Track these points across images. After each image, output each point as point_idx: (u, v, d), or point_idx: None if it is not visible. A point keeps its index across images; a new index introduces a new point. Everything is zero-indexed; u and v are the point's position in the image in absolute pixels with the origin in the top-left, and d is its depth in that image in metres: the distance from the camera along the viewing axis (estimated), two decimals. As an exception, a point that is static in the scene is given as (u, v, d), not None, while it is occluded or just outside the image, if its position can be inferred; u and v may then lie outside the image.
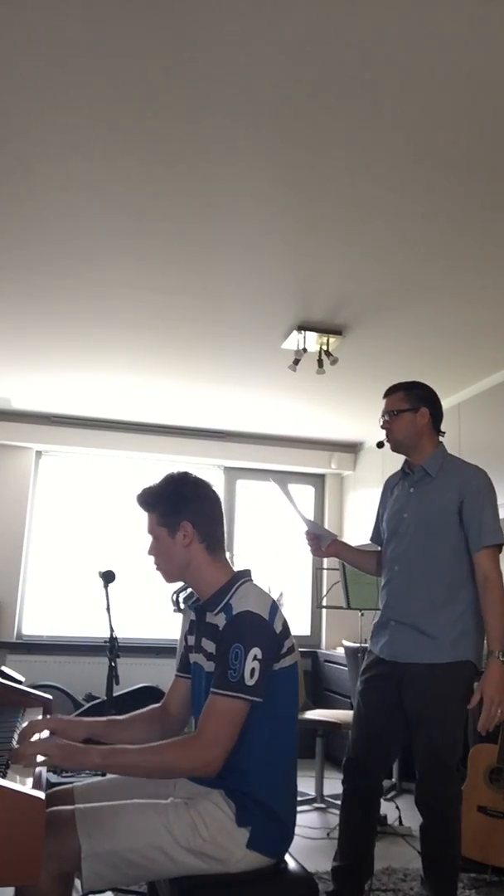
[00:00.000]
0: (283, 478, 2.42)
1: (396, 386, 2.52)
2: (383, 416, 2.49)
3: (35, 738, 1.54)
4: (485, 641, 2.33)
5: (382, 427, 2.50)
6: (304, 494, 6.01)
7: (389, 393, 2.52)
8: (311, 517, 2.58)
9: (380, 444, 2.54)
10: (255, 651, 1.55)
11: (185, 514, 1.72)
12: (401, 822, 3.59)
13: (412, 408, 2.44)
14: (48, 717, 1.91)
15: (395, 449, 2.50)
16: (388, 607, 2.42)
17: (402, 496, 2.49)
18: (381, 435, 2.55)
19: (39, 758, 1.42)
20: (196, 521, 1.72)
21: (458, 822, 2.26)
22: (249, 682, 1.53)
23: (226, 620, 1.63)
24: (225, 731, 1.51)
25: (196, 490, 1.76)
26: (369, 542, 2.68)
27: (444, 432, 2.51)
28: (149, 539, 1.78)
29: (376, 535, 2.63)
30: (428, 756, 2.25)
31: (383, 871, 2.94)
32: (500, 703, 2.17)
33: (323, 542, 2.60)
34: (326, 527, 5.86)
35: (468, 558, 2.31)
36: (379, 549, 2.61)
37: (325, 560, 5.71)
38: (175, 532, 1.72)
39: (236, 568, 1.80)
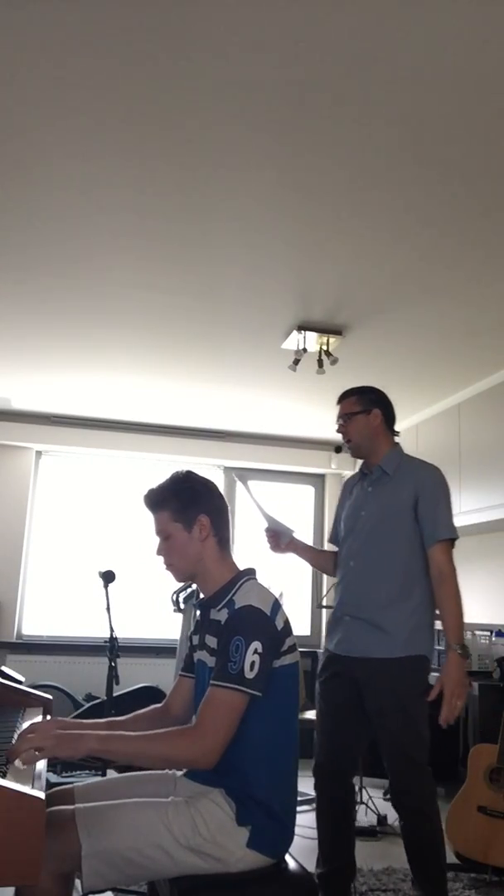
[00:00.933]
0: (244, 474, 2.48)
1: (348, 391, 2.61)
2: (338, 420, 2.58)
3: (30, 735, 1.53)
4: (435, 636, 2.40)
5: (338, 431, 2.59)
6: (304, 494, 6.02)
7: (342, 398, 2.61)
8: (272, 514, 2.62)
9: (338, 449, 2.68)
10: (256, 644, 1.56)
11: (201, 508, 1.74)
12: (401, 822, 3.59)
13: (364, 410, 2.53)
14: (48, 718, 1.91)
15: (353, 453, 2.58)
16: (342, 603, 2.46)
17: (360, 496, 2.56)
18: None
19: (37, 755, 1.41)
20: (211, 515, 1.74)
21: (436, 818, 2.27)
22: (249, 674, 1.53)
23: (228, 615, 1.64)
24: (223, 722, 1.51)
25: (207, 485, 1.79)
26: (328, 543, 2.73)
27: (398, 433, 2.61)
28: (156, 541, 1.77)
29: (334, 536, 2.69)
30: (395, 754, 2.28)
31: (383, 871, 2.94)
32: (459, 695, 2.22)
33: (282, 539, 2.64)
34: (326, 527, 5.87)
35: (423, 554, 2.38)
36: (336, 550, 2.66)
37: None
38: (191, 526, 1.73)
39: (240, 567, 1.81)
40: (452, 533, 2.37)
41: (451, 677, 2.24)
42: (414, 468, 2.49)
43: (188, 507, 1.73)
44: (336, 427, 2.59)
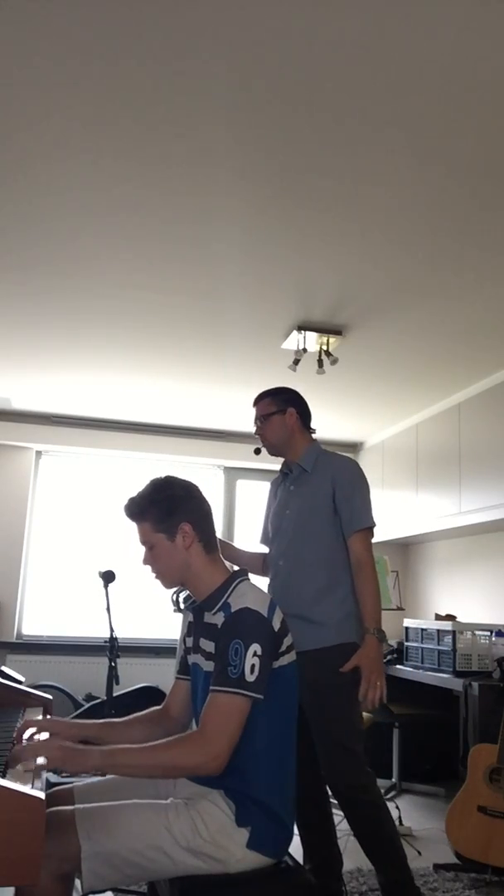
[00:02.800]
0: None
1: (262, 394, 2.70)
2: (255, 422, 2.67)
3: (34, 737, 1.53)
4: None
5: (256, 433, 2.68)
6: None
7: (257, 401, 2.69)
8: None
9: (257, 451, 2.75)
10: (255, 647, 1.55)
11: (181, 516, 1.71)
12: (401, 822, 3.59)
13: (279, 410, 2.62)
14: (47, 717, 1.91)
15: (271, 452, 2.67)
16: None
17: (283, 495, 2.64)
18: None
19: (39, 760, 1.41)
20: (194, 521, 1.72)
21: (379, 805, 2.29)
22: (250, 678, 1.53)
23: (224, 618, 1.63)
24: (227, 728, 1.51)
25: (188, 490, 1.76)
26: (259, 543, 2.78)
27: (314, 430, 2.69)
28: (142, 550, 1.75)
29: (264, 537, 2.74)
30: (328, 743, 2.32)
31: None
32: (375, 672, 2.29)
33: None
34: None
35: (346, 546, 2.46)
36: (266, 550, 2.71)
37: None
38: (174, 535, 1.71)
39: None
40: (368, 522, 2.46)
41: (368, 656, 2.31)
42: (331, 462, 2.57)
43: (169, 517, 1.70)
44: (254, 430, 2.68)
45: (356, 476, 2.53)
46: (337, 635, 2.38)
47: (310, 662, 2.31)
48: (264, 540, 2.73)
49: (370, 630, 2.35)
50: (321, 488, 2.50)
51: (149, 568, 1.76)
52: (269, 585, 2.58)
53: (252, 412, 2.73)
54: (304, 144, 2.10)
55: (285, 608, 2.40)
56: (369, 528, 2.47)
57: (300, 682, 2.31)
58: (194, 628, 1.79)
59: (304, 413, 2.66)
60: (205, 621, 1.72)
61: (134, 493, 1.75)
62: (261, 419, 2.64)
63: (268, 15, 1.64)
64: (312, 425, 2.70)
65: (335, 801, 2.39)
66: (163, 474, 1.80)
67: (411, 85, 1.84)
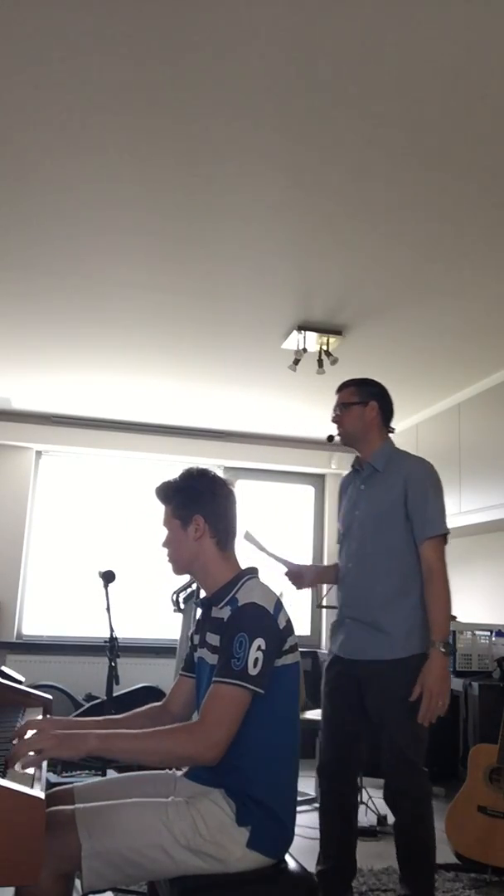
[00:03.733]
0: (248, 533, 2.48)
1: (348, 381, 2.59)
2: (335, 409, 2.56)
3: (28, 734, 1.53)
4: None
5: (333, 420, 2.57)
6: (305, 494, 6.02)
7: (342, 388, 2.59)
8: (282, 556, 2.61)
9: (329, 438, 2.66)
10: (259, 641, 1.56)
11: (197, 508, 1.75)
12: (401, 822, 3.59)
13: (361, 401, 2.51)
14: (48, 717, 1.91)
15: (344, 441, 2.57)
16: (343, 605, 2.47)
17: (353, 494, 2.56)
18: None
19: (35, 755, 1.41)
20: (208, 516, 1.75)
21: (429, 819, 2.27)
22: (252, 671, 1.53)
23: (230, 612, 1.64)
24: (227, 717, 1.51)
25: (211, 486, 1.79)
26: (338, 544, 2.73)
27: (393, 429, 2.58)
28: (164, 531, 1.80)
29: (340, 537, 2.67)
30: (392, 754, 2.28)
31: (383, 870, 2.94)
32: (439, 694, 2.19)
33: (306, 576, 2.63)
34: (326, 527, 5.88)
35: (416, 551, 2.36)
36: None
37: (325, 559, 5.74)
38: (187, 525, 1.75)
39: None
40: (442, 528, 2.35)
41: (432, 675, 2.21)
42: (403, 463, 2.46)
43: (186, 506, 1.76)
44: (332, 417, 2.57)
45: (429, 478, 2.42)
46: (405, 647, 2.29)
47: (377, 672, 2.30)
48: (341, 539, 2.65)
49: (436, 644, 2.24)
50: (393, 490, 2.39)
51: (165, 550, 1.81)
52: (338, 588, 2.52)
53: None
54: (304, 144, 2.10)
55: (354, 613, 2.40)
56: (443, 536, 2.35)
57: (367, 689, 2.31)
58: (201, 623, 1.82)
59: (385, 409, 2.54)
60: (212, 615, 1.74)
61: (169, 478, 1.83)
62: (341, 406, 2.53)
63: (269, 14, 1.64)
64: (392, 424, 2.60)
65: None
66: (200, 467, 1.84)
67: (412, 84, 1.84)
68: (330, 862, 2.36)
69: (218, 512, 1.77)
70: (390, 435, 2.56)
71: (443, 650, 2.24)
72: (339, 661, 2.42)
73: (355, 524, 2.48)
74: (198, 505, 1.76)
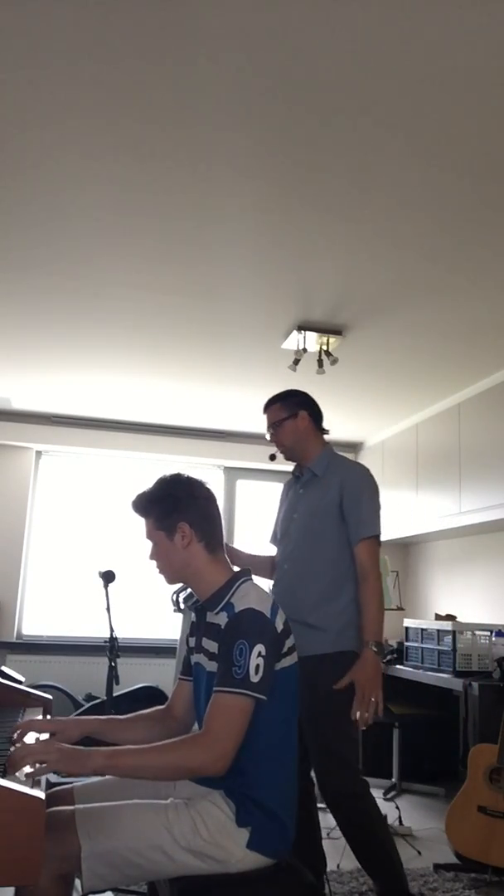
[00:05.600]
0: None
1: (271, 399, 2.63)
2: (268, 430, 2.61)
3: (32, 739, 1.53)
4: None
5: (270, 440, 2.62)
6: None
7: (267, 407, 2.63)
8: None
9: (272, 457, 2.68)
10: (260, 648, 1.55)
11: (180, 515, 1.72)
12: (401, 822, 3.60)
13: (291, 415, 2.56)
14: (48, 717, 1.91)
15: (287, 457, 2.62)
16: (280, 605, 2.47)
17: (293, 499, 2.61)
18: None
19: (38, 764, 1.40)
20: (193, 521, 1.73)
21: (372, 815, 2.26)
22: (254, 678, 1.53)
23: (228, 619, 1.63)
24: (232, 727, 1.50)
25: (189, 490, 1.76)
26: (269, 544, 2.77)
27: (327, 430, 2.63)
28: (148, 545, 1.77)
29: (274, 538, 2.72)
30: (322, 750, 2.30)
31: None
32: (372, 689, 2.25)
33: None
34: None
35: (352, 553, 2.42)
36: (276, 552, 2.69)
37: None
38: (173, 534, 1.72)
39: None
40: (375, 530, 2.41)
41: (363, 671, 2.27)
42: (341, 467, 2.53)
43: (169, 516, 1.72)
44: (267, 436, 2.63)
45: (365, 483, 2.48)
46: (335, 643, 2.35)
47: (307, 668, 2.29)
48: (273, 540, 2.71)
49: (369, 643, 2.31)
50: (329, 493, 2.46)
51: (154, 563, 1.78)
52: (272, 588, 2.56)
53: (262, 418, 2.65)
54: (305, 145, 2.10)
55: (287, 612, 2.39)
56: (376, 537, 2.42)
57: (301, 687, 2.33)
58: (197, 628, 1.79)
59: (315, 415, 2.60)
60: (207, 621, 1.73)
61: (143, 489, 1.78)
62: (273, 426, 2.59)
63: (270, 15, 1.64)
64: (324, 425, 2.65)
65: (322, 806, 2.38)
66: (172, 472, 1.80)
67: (412, 85, 1.84)
68: (301, 858, 2.38)
69: (201, 515, 1.74)
70: (325, 437, 2.62)
71: (374, 649, 2.30)
72: None
73: (293, 526, 2.54)
74: (180, 512, 1.72)
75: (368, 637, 2.31)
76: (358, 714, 2.24)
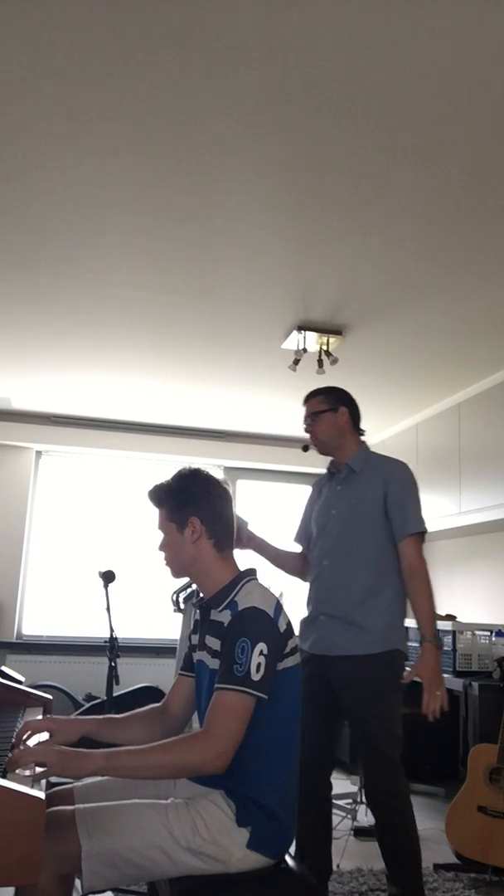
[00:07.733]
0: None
1: (314, 391, 2.62)
2: (305, 420, 2.59)
3: (32, 741, 1.52)
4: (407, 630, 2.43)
5: (306, 431, 2.60)
6: (304, 494, 6.00)
7: (309, 398, 2.62)
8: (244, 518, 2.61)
9: (305, 448, 2.66)
10: (262, 646, 1.55)
11: (192, 510, 1.73)
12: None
13: (331, 408, 2.55)
14: (48, 717, 1.90)
15: (321, 451, 2.61)
16: (317, 602, 2.48)
17: (329, 495, 2.59)
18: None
19: (38, 768, 1.40)
20: (204, 517, 1.73)
21: (409, 814, 2.28)
22: (255, 676, 1.53)
23: (231, 616, 1.63)
24: (232, 725, 1.50)
25: (205, 486, 1.77)
26: (293, 541, 2.75)
27: (363, 431, 2.62)
28: (159, 535, 1.79)
29: (300, 536, 2.71)
30: (369, 751, 2.30)
31: (383, 870, 2.94)
32: (437, 684, 2.25)
33: (241, 533, 2.53)
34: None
35: (393, 549, 2.41)
36: (300, 549, 2.69)
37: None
38: (183, 528, 1.73)
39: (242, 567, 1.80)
40: (421, 526, 2.41)
41: (427, 666, 2.27)
42: (381, 464, 2.52)
43: (181, 509, 1.73)
44: (304, 426, 2.61)
45: (410, 479, 2.48)
46: (382, 642, 2.32)
47: (354, 667, 2.31)
48: (299, 538, 2.70)
49: (427, 637, 2.30)
50: (370, 490, 2.45)
51: (162, 554, 1.79)
52: (311, 585, 2.54)
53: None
54: (305, 145, 2.10)
55: (328, 609, 2.41)
56: (422, 533, 2.41)
57: (342, 685, 2.32)
58: (200, 625, 1.80)
59: (355, 414, 2.59)
60: (211, 619, 1.73)
61: (161, 480, 1.79)
62: (311, 417, 2.57)
63: (272, 15, 1.64)
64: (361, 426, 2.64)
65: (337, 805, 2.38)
66: (192, 467, 1.81)
67: (414, 86, 1.84)
68: (308, 861, 2.39)
69: (214, 512, 1.75)
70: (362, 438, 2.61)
71: (434, 643, 2.30)
72: (312, 660, 2.43)
73: (331, 522, 2.51)
74: (193, 506, 1.73)
75: (426, 631, 2.31)
76: (427, 707, 2.24)
